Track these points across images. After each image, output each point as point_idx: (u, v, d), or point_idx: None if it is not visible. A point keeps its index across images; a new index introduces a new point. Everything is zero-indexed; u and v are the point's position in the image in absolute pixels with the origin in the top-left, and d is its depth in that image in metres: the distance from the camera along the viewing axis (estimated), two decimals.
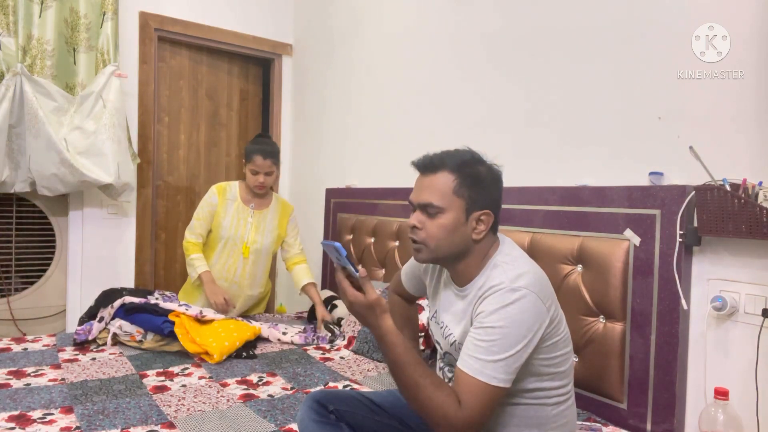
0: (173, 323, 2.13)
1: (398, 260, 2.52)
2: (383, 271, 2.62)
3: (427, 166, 1.21)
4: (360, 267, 1.12)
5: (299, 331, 2.37)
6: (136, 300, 2.22)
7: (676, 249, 1.49)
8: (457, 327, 1.24)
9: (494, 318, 1.08)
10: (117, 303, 2.20)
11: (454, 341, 1.24)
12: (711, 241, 1.49)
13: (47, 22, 2.71)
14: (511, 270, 1.14)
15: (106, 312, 2.21)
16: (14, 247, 2.90)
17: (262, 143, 2.52)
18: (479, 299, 1.14)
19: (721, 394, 1.33)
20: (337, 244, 1.10)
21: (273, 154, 2.48)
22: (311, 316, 2.73)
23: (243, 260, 2.53)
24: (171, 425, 1.48)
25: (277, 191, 3.75)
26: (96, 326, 2.19)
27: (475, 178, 1.18)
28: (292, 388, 1.80)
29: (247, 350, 2.14)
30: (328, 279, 3.08)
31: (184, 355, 2.10)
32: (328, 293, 2.77)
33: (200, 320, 2.19)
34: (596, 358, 1.65)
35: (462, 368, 1.08)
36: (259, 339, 2.35)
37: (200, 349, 2.06)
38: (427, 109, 2.55)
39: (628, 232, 1.61)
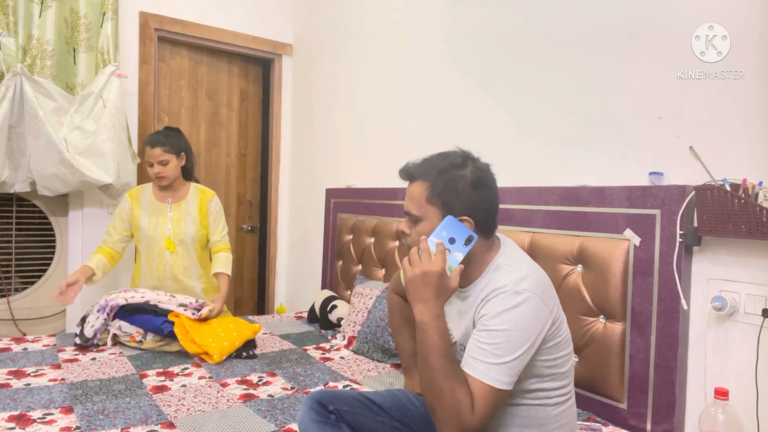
0: (173, 323, 2.14)
1: (398, 260, 2.52)
2: (383, 271, 2.62)
3: (405, 175, 1.25)
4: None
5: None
6: (136, 298, 2.21)
7: (676, 249, 1.49)
8: (458, 328, 1.24)
9: (498, 321, 1.09)
10: (113, 303, 2.18)
11: (455, 342, 1.24)
12: (711, 241, 1.49)
13: (47, 22, 2.71)
14: (513, 272, 1.14)
15: (97, 315, 2.18)
16: (14, 247, 2.90)
17: (153, 134, 2.50)
18: (482, 302, 1.14)
19: (721, 394, 1.33)
20: (474, 235, 1.14)
21: (161, 141, 2.43)
22: (311, 317, 2.74)
23: (171, 255, 2.47)
24: (171, 425, 1.48)
25: (277, 189, 3.75)
26: (97, 321, 2.17)
27: (448, 184, 1.17)
28: (292, 388, 1.80)
29: (247, 350, 2.14)
30: (329, 279, 3.08)
31: (184, 355, 2.10)
32: (327, 293, 2.77)
33: (200, 320, 2.19)
34: (596, 358, 1.65)
35: (467, 371, 1.08)
36: (260, 339, 2.35)
37: (200, 350, 2.06)
38: (428, 108, 2.55)
39: (628, 232, 1.61)
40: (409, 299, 1.14)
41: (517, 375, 1.08)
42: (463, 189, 1.17)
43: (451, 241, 1.14)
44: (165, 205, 2.51)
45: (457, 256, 1.14)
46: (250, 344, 2.19)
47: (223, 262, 2.51)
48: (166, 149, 2.43)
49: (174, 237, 2.47)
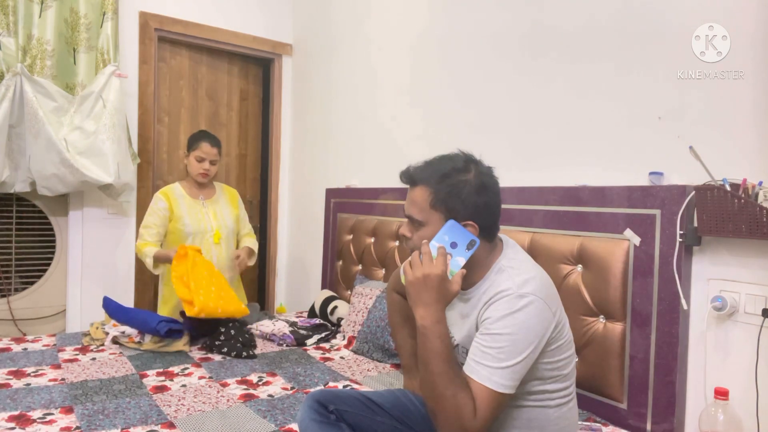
0: (170, 323, 2.15)
1: (398, 260, 2.52)
2: (383, 271, 2.62)
3: (407, 179, 1.23)
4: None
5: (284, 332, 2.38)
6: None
7: (676, 249, 1.49)
8: (459, 330, 1.24)
9: (502, 325, 1.08)
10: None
11: (457, 344, 1.24)
12: (711, 241, 1.49)
13: (47, 22, 2.71)
14: (517, 275, 1.14)
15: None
16: (14, 247, 2.90)
17: (208, 133, 2.62)
18: (485, 304, 1.14)
19: (721, 394, 1.33)
20: (476, 239, 1.13)
21: (219, 144, 2.61)
22: (311, 317, 2.74)
23: (215, 247, 2.58)
24: (171, 425, 1.48)
25: (277, 189, 3.75)
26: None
27: (452, 190, 1.15)
28: (292, 388, 1.80)
29: (247, 350, 2.14)
30: (329, 280, 3.08)
31: (184, 355, 2.11)
32: (328, 293, 2.77)
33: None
34: (596, 358, 1.65)
35: (470, 375, 1.08)
36: (260, 339, 2.35)
37: (188, 296, 2.13)
38: (427, 108, 2.55)
39: (628, 232, 1.61)
40: (410, 303, 1.13)
41: (520, 378, 1.08)
42: (467, 195, 1.15)
43: (453, 245, 1.13)
44: (199, 201, 2.60)
45: (459, 261, 1.13)
46: (250, 344, 2.20)
47: (252, 243, 2.75)
48: (219, 150, 2.60)
49: (221, 230, 2.60)
